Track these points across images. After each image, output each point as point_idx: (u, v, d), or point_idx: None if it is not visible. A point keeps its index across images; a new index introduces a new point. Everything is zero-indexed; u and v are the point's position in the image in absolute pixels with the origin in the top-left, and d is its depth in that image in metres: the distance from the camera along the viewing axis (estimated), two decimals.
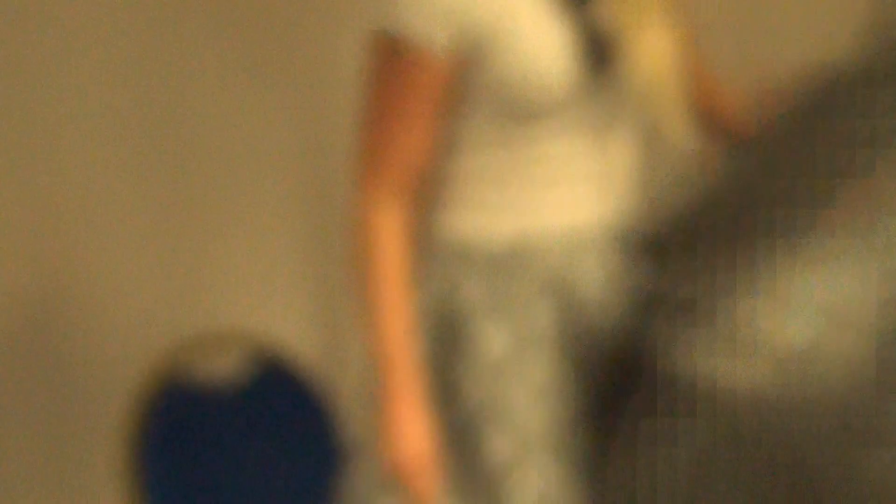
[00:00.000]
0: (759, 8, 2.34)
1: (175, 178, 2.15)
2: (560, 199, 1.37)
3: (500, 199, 1.37)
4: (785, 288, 1.19)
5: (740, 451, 1.11)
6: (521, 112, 1.32)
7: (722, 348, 1.19)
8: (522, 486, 1.35)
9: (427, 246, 1.39)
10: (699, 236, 1.36)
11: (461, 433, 1.38)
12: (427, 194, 1.39)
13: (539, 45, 1.28)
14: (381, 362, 1.30)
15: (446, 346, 1.36)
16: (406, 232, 1.34)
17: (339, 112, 1.98)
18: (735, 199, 1.36)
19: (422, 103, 1.29)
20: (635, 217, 1.45)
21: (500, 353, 1.35)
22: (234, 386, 1.83)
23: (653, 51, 1.35)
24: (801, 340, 1.14)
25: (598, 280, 1.37)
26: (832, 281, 1.16)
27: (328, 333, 2.20)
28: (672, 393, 1.19)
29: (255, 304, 2.20)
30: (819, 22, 2.29)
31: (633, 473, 1.21)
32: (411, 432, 1.32)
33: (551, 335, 1.35)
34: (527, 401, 1.34)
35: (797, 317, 1.18)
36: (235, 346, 1.84)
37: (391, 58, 1.27)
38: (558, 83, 1.29)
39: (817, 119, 1.33)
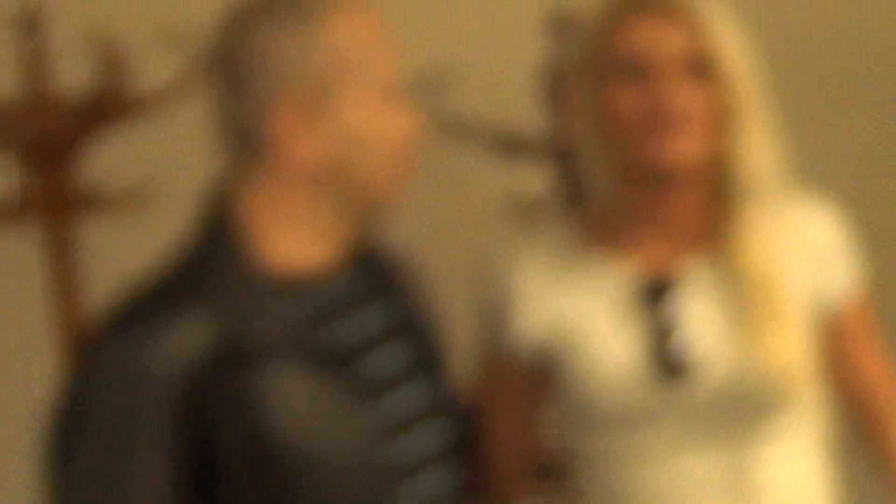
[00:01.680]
0: None
1: None
2: None
3: None
4: None
5: None
6: (610, 425, 1.37)
7: None
8: None
9: None
10: None
11: None
12: None
13: (610, 350, 1.36)
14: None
15: None
16: None
17: None
18: None
19: (519, 410, 1.43)
20: None
21: None
22: None
23: (750, 352, 1.35)
24: None
25: None
26: None
27: None
28: None
29: None
30: None
31: None
32: None
33: None
34: None
35: None
36: None
37: (488, 372, 1.43)
38: (632, 390, 1.35)
39: None
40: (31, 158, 1.99)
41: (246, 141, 1.20)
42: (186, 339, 1.14)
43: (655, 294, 1.36)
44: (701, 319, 1.36)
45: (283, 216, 1.20)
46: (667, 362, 1.35)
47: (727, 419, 1.34)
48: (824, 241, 1.41)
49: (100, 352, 1.15)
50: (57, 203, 2.00)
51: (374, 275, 1.31)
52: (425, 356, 1.33)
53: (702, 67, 1.32)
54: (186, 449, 1.15)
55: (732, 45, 1.34)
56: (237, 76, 1.20)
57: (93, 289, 2.03)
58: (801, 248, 1.38)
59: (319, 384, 1.19)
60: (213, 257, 1.19)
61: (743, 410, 1.34)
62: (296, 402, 1.17)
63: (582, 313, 1.37)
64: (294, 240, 1.20)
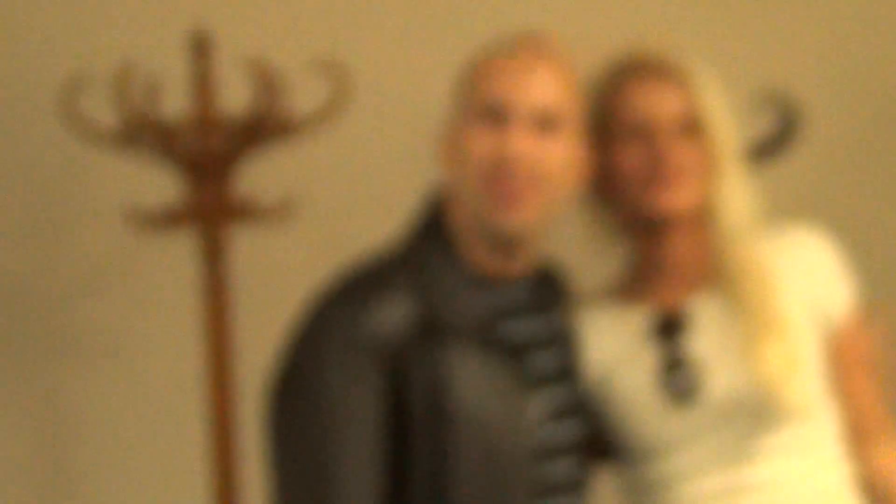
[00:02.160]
0: None
1: None
2: None
3: None
4: None
5: None
6: (637, 454, 1.51)
7: None
8: None
9: None
10: None
11: None
12: None
13: (628, 385, 1.50)
14: None
15: None
16: None
17: None
18: None
19: None
20: None
21: None
22: None
23: (756, 366, 1.46)
24: None
25: None
26: None
27: None
28: None
29: None
30: None
31: None
32: None
33: None
34: None
35: None
36: None
37: None
38: (649, 417, 1.48)
39: None
40: (194, 172, 2.13)
41: None
42: (396, 311, 1.38)
43: (667, 330, 1.50)
44: (709, 347, 1.48)
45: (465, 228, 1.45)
46: (678, 388, 1.47)
47: (740, 434, 1.45)
48: (820, 262, 1.53)
49: (330, 318, 1.40)
50: (213, 213, 2.15)
51: (547, 287, 1.51)
52: (571, 363, 1.51)
53: (692, 125, 1.48)
54: (388, 399, 1.37)
55: (716, 104, 1.50)
56: None
57: (241, 291, 2.21)
58: (799, 270, 1.51)
59: (492, 368, 1.40)
60: (425, 249, 1.44)
61: (754, 424, 1.45)
62: (471, 378, 1.39)
63: (606, 359, 1.51)
64: (479, 249, 1.44)
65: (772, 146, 2.45)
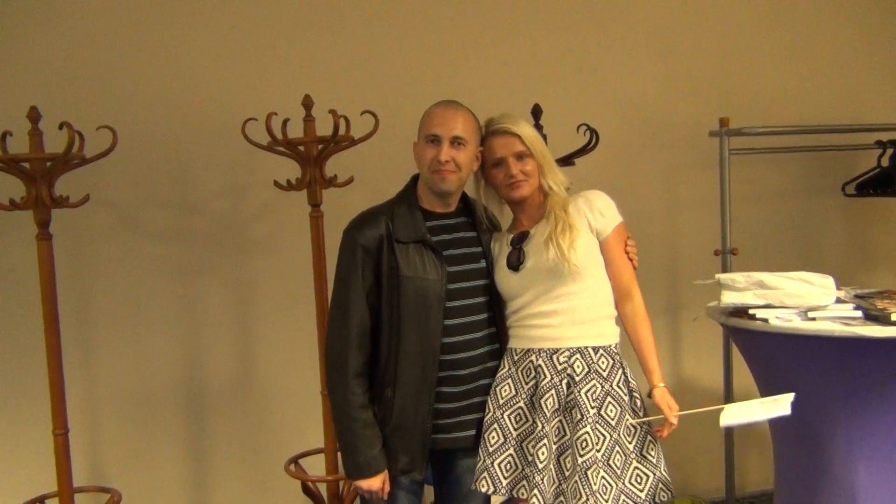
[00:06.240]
0: None
1: None
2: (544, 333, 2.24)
3: None
4: None
5: None
6: (504, 295, 2.30)
7: None
8: None
9: None
10: None
11: None
12: None
13: (501, 261, 2.29)
14: None
15: None
16: None
17: None
18: None
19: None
20: None
21: None
22: None
23: (549, 250, 2.22)
24: None
25: None
26: None
27: None
28: None
29: None
30: None
31: None
32: None
33: None
34: None
35: None
36: None
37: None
38: (505, 276, 2.28)
39: None
40: (305, 162, 3.02)
41: None
42: (375, 232, 2.19)
43: (518, 240, 2.36)
44: (533, 246, 2.31)
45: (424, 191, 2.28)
46: (514, 265, 2.34)
47: (547, 287, 2.26)
48: (598, 204, 2.36)
49: (347, 233, 2.23)
50: (314, 183, 3.05)
51: (469, 213, 2.34)
52: (484, 256, 2.30)
53: (526, 154, 2.34)
54: (372, 271, 2.18)
55: (535, 141, 2.34)
56: None
57: (328, 225, 3.04)
58: (586, 208, 2.33)
59: (423, 255, 2.18)
60: (399, 199, 2.25)
61: (553, 280, 2.27)
62: (411, 259, 2.18)
63: (496, 253, 2.38)
64: (429, 199, 2.28)
65: (583, 151, 3.36)
